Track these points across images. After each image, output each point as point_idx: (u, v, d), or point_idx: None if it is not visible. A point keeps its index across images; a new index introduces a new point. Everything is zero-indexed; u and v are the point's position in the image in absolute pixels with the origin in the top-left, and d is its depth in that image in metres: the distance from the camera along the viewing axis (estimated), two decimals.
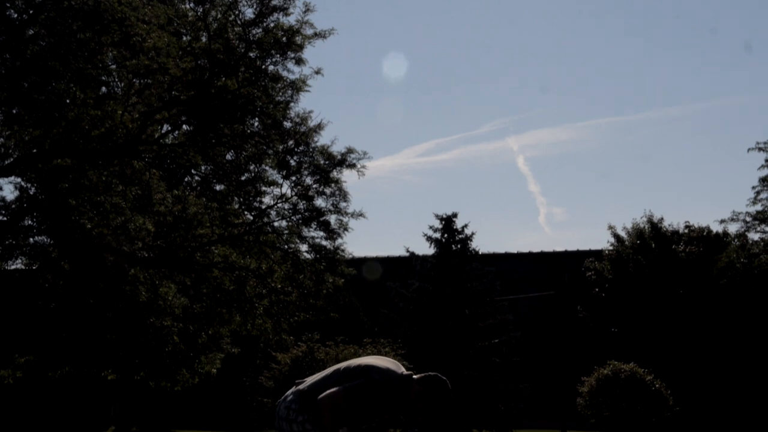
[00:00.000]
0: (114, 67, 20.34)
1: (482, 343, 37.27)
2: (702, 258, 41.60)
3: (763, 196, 44.61)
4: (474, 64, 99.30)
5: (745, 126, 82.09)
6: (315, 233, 26.79)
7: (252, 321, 25.09)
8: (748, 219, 44.83)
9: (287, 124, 24.93)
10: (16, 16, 19.14)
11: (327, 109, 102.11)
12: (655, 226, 43.38)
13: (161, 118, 21.34)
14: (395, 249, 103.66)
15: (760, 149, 44.51)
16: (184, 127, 23.62)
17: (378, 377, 5.87)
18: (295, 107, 24.50)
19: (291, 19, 21.76)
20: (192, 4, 22.57)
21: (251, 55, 21.73)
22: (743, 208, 48.39)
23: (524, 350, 38.73)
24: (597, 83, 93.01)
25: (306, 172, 26.33)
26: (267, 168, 26.44)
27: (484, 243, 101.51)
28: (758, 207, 44.65)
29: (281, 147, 25.09)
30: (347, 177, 32.14)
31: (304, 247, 26.88)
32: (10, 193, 36.73)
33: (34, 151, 20.88)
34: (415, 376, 6.01)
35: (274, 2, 21.50)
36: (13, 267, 25.27)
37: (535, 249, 51.09)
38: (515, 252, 50.53)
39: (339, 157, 26.02)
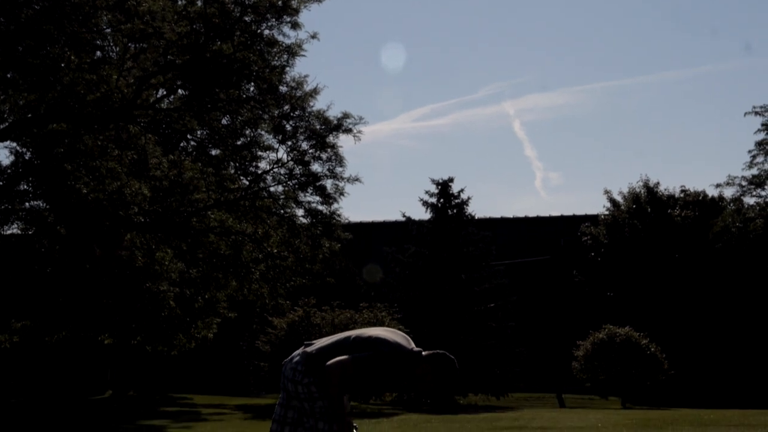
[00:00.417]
0: (109, 31, 20.24)
1: (478, 308, 37.36)
2: (698, 222, 41.67)
3: (758, 160, 44.78)
4: (470, 29, 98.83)
5: (742, 90, 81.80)
6: (311, 198, 26.85)
7: (248, 286, 25.16)
8: (744, 183, 45.01)
9: (283, 89, 24.82)
10: None
11: (322, 75, 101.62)
12: (651, 191, 43.37)
13: (156, 82, 21.27)
14: (391, 214, 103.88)
15: (756, 113, 44.60)
16: (180, 91, 23.54)
17: (387, 350, 5.90)
18: (290, 72, 24.39)
19: None
20: None
21: (246, 19, 21.61)
22: (739, 172, 48.32)
23: (520, 315, 38.79)
24: (593, 47, 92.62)
25: (302, 137, 26.30)
26: (263, 133, 26.41)
27: (481, 208, 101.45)
28: (754, 171, 44.82)
29: (277, 112, 25.03)
30: (343, 142, 32.22)
31: (300, 212, 26.95)
32: (5, 157, 36.59)
33: (30, 115, 20.82)
34: (424, 353, 6.03)
35: None
36: (9, 232, 25.30)
37: (531, 214, 50.94)
38: (511, 217, 50.45)
39: (335, 121, 25.97)
